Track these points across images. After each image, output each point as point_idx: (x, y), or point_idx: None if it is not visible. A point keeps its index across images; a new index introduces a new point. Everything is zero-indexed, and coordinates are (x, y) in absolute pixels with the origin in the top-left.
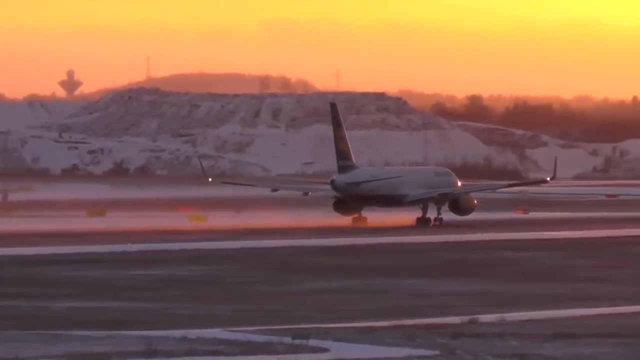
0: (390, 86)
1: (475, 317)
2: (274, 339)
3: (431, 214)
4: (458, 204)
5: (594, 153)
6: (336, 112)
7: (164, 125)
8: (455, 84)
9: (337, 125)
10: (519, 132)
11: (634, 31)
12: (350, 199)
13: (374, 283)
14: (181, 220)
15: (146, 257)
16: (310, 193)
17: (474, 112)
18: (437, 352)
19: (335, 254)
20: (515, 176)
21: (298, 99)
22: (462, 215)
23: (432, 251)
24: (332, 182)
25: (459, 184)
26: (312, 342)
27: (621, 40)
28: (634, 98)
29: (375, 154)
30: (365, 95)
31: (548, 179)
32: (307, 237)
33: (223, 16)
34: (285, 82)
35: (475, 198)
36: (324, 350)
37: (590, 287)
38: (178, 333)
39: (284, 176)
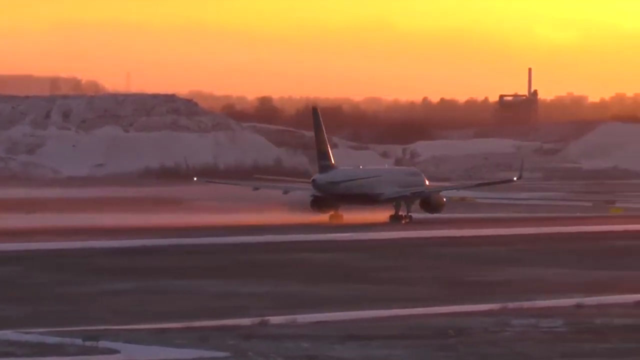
0: (181, 87)
1: (266, 318)
2: (65, 340)
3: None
4: (429, 202)
5: (385, 155)
6: (318, 116)
7: None
8: (246, 85)
9: (318, 128)
10: (309, 133)
11: (424, 32)
12: (330, 197)
13: (169, 284)
14: None
15: None
16: (289, 191)
17: (265, 113)
18: (228, 354)
19: (131, 254)
20: (307, 177)
21: (89, 100)
22: (432, 212)
23: (236, 252)
24: (314, 181)
25: (427, 183)
26: (103, 344)
27: (411, 42)
28: (424, 99)
29: (166, 156)
30: (155, 96)
31: (515, 178)
32: (105, 238)
33: (12, 16)
34: (75, 83)
35: (444, 197)
36: (115, 351)
37: (384, 288)
38: None
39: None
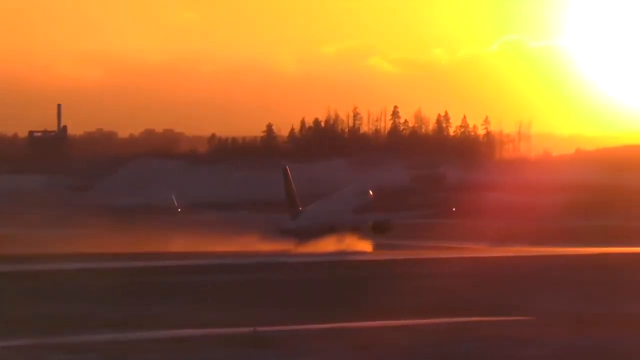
0: None
1: None
2: None
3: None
4: (380, 226)
5: None
6: (287, 174)
7: None
8: None
9: (287, 183)
10: None
11: None
12: (303, 236)
13: None
14: None
15: None
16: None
17: None
18: None
19: None
20: None
21: None
22: (381, 234)
23: None
24: (289, 227)
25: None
26: None
27: None
28: None
29: None
30: None
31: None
32: None
33: None
34: None
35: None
36: None
37: None
38: None
39: None
